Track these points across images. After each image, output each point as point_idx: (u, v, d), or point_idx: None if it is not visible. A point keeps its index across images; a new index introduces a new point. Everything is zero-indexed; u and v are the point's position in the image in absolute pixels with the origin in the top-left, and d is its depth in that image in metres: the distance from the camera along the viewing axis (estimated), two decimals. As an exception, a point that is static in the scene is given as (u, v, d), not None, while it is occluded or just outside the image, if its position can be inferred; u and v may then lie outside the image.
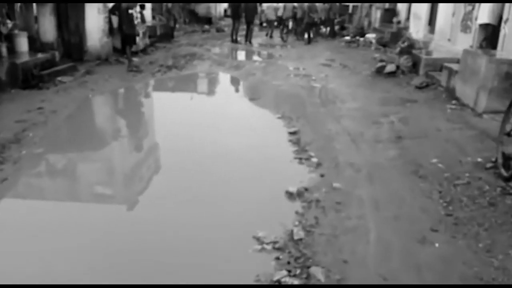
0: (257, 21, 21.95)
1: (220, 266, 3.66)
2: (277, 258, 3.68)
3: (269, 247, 3.84)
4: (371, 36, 17.50)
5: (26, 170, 5.70)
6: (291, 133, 6.95)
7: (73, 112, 8.21)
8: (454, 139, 6.48)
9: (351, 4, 21.91)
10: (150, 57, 13.90)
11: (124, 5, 11.65)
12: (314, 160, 5.84)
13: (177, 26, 20.11)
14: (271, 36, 20.13)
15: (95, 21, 12.19)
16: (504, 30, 8.76)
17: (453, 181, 5.06)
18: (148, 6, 16.79)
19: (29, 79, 9.31)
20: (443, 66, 9.64)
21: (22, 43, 10.34)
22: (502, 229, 4.10)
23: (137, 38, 12.87)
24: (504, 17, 8.81)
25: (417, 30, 14.37)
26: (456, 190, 4.85)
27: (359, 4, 20.91)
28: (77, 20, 11.98)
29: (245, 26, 18.20)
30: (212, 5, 25.55)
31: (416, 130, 7.03)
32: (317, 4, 18.62)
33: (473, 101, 7.89)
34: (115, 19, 12.29)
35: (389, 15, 17.97)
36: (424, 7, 13.98)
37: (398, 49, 12.06)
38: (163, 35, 17.28)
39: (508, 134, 5.24)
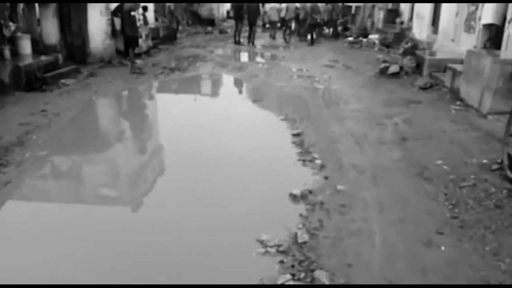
0: (259, 23, 21.93)
1: (223, 270, 3.65)
2: (281, 262, 3.66)
3: (273, 250, 3.82)
4: (374, 36, 17.44)
5: (29, 172, 5.69)
6: (295, 135, 6.93)
7: (77, 114, 8.21)
8: (459, 141, 6.44)
9: (354, 5, 21.84)
10: (153, 59, 13.90)
11: (126, 7, 11.63)
12: (318, 162, 5.81)
13: (180, 28, 20.09)
14: (273, 37, 20.10)
15: (97, 23, 12.19)
16: (508, 30, 8.70)
17: (459, 183, 5.03)
18: (151, 8, 16.80)
19: (32, 81, 9.31)
20: (447, 67, 9.59)
21: (25, 45, 10.35)
22: (508, 231, 4.06)
23: (140, 40, 12.84)
24: (508, 17, 8.75)
25: (420, 30, 14.32)
26: (461, 192, 4.81)
27: (362, 4, 20.85)
28: (80, 22, 11.98)
29: (248, 28, 18.19)
30: (215, 6, 25.54)
31: (421, 131, 7.00)
32: (319, 5, 18.56)
33: (477, 102, 7.84)
34: (117, 21, 12.30)
35: (392, 15, 17.91)
36: (427, 7, 13.93)
37: (401, 50, 12.00)
38: (166, 37, 17.27)
39: (514, 135, 5.21)
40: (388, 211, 4.51)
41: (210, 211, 4.64)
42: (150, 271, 3.61)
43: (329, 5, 19.79)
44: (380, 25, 18.97)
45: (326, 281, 3.38)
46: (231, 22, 21.54)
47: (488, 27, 9.66)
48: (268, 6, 20.70)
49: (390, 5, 18.32)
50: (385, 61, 12.22)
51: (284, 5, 19.75)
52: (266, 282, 3.42)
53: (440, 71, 10.13)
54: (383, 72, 11.38)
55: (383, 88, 10.20)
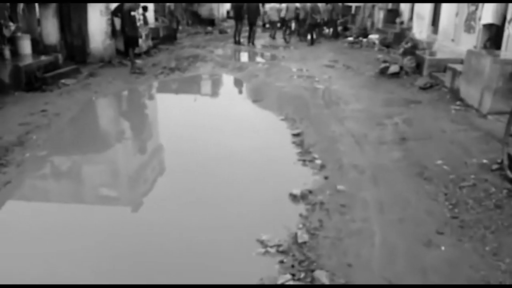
0: (260, 23, 21.93)
1: (223, 270, 3.65)
2: (281, 262, 3.66)
3: (273, 250, 3.82)
4: (374, 36, 17.44)
5: (29, 172, 5.69)
6: (295, 135, 6.93)
7: (77, 114, 8.21)
8: (459, 141, 6.44)
9: (354, 5, 21.83)
10: (153, 59, 13.90)
11: (126, 7, 11.63)
12: (318, 162, 5.81)
13: (180, 28, 20.09)
14: (274, 37, 20.10)
15: (97, 24, 12.19)
16: (508, 30, 8.70)
17: (459, 183, 5.02)
18: (151, 8, 16.80)
19: (32, 81, 9.31)
20: (447, 67, 9.59)
21: (25, 45, 10.35)
22: (509, 231, 4.06)
23: (140, 40, 12.84)
24: (508, 17, 8.75)
25: (420, 30, 14.32)
26: (461, 192, 4.81)
27: (362, 4, 20.84)
28: (80, 22, 11.98)
29: (248, 28, 18.19)
30: (215, 6, 25.53)
31: (421, 131, 6.99)
32: (319, 5, 18.56)
33: (477, 102, 7.84)
34: (117, 21, 12.30)
35: (392, 15, 17.91)
36: (427, 7, 13.92)
37: (401, 50, 12.00)
38: (166, 37, 17.27)
39: (514, 135, 5.20)
40: (388, 211, 4.51)
41: (210, 211, 4.64)
42: (150, 271, 3.61)
43: (329, 5, 19.78)
44: (380, 25, 18.97)
45: (326, 281, 3.38)
46: (231, 22, 21.54)
47: (488, 27, 9.66)
48: (268, 6, 20.69)
49: (390, 5, 18.32)
50: (385, 61, 12.22)
51: (284, 5, 19.74)
52: (266, 282, 3.42)
53: (440, 71, 10.13)
54: (383, 72, 11.39)
55: (383, 88, 10.20)
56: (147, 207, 4.83)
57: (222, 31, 22.28)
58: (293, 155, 6.11)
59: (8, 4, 10.15)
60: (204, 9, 24.95)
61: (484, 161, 5.59)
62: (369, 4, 20.10)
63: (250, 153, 6.29)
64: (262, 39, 19.92)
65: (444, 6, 12.40)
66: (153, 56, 14.40)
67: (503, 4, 9.07)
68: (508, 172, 5.05)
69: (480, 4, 10.01)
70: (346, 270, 3.54)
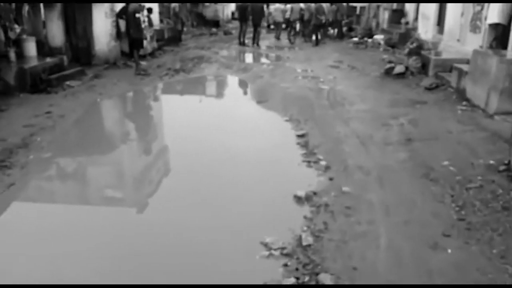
0: (264, 24, 21.90)
1: (227, 273, 3.62)
2: (285, 265, 3.62)
3: (277, 253, 3.79)
4: (379, 37, 17.37)
5: (33, 175, 5.69)
6: (299, 136, 6.89)
7: (81, 116, 8.22)
8: (465, 141, 6.37)
9: (358, 5, 21.76)
10: (158, 60, 13.91)
11: (131, 9, 11.64)
12: (323, 163, 5.77)
13: (184, 29, 20.12)
14: (278, 38, 20.06)
15: (102, 25, 12.22)
16: (515, 29, 8.63)
17: (465, 184, 4.96)
18: (156, 9, 16.82)
19: (37, 83, 9.35)
20: (453, 67, 9.52)
21: (31, 48, 10.40)
22: (516, 234, 4.00)
23: (145, 42, 12.87)
24: (515, 17, 8.68)
25: (425, 30, 14.24)
26: (468, 194, 4.75)
27: (366, 5, 20.76)
28: (85, 24, 12.02)
29: (252, 29, 18.16)
30: (219, 8, 25.52)
31: (426, 132, 6.93)
32: (324, 5, 18.51)
33: (484, 102, 7.77)
34: (122, 23, 12.32)
35: (397, 15, 17.82)
36: (433, 7, 13.84)
37: (406, 50, 11.92)
38: (170, 39, 17.29)
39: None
40: (394, 213, 4.46)
41: (214, 213, 4.61)
42: (154, 272, 3.59)
43: (334, 6, 19.73)
44: (385, 25, 18.88)
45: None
46: (236, 24, 21.52)
47: (494, 26, 9.58)
48: (272, 7, 20.68)
49: (395, 5, 18.22)
50: (390, 62, 12.14)
51: (288, 6, 19.70)
52: (270, 285, 3.39)
53: (446, 71, 10.05)
54: (388, 72, 11.32)
55: (389, 89, 10.13)
56: (152, 208, 4.83)
57: (227, 33, 22.27)
58: (297, 156, 6.08)
59: (13, 6, 10.19)
60: (209, 11, 24.97)
61: (491, 162, 5.52)
62: (374, 5, 20.02)
63: (255, 154, 6.26)
64: (266, 40, 19.89)
65: (450, 6, 12.32)
66: (158, 57, 14.41)
67: (509, 4, 8.99)
68: (516, 173, 4.99)
69: (486, 4, 9.93)
70: (351, 273, 3.50)
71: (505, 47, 8.93)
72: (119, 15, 12.49)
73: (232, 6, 28.13)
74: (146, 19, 13.17)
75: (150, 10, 14.01)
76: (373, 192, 4.93)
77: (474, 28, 10.69)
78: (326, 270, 3.51)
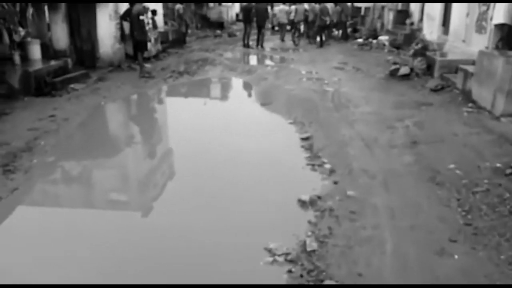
0: (268, 25, 21.85)
1: (231, 280, 3.58)
2: (290, 271, 3.58)
3: (281, 259, 3.75)
4: (384, 38, 17.28)
5: (37, 179, 5.68)
6: (304, 139, 6.85)
7: (85, 119, 8.21)
8: (471, 144, 6.30)
9: (363, 6, 21.67)
10: (162, 63, 13.90)
11: (135, 11, 11.63)
12: (327, 166, 5.73)
13: (189, 31, 20.12)
14: (283, 40, 20.02)
15: (107, 28, 12.22)
16: (522, 30, 8.55)
17: (472, 188, 4.90)
18: (160, 12, 16.83)
19: (42, 86, 9.36)
20: (459, 68, 9.44)
21: (35, 50, 10.42)
22: (524, 239, 3.94)
23: (149, 44, 12.87)
24: (521, 17, 8.60)
25: (430, 31, 14.14)
26: (475, 198, 4.69)
27: (371, 5, 20.67)
28: (89, 27, 12.03)
29: (256, 30, 18.12)
30: (224, 9, 25.51)
31: (432, 134, 6.86)
32: (329, 6, 18.44)
33: (490, 103, 7.69)
34: (126, 26, 12.32)
35: (402, 16, 17.72)
36: (438, 8, 13.75)
37: (412, 51, 11.84)
38: (175, 41, 17.29)
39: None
40: (400, 218, 4.41)
41: (218, 215, 4.61)
42: (158, 276, 3.58)
43: (338, 7, 19.65)
44: (390, 26, 18.79)
45: (335, 291, 3.30)
46: (240, 25, 21.52)
47: (500, 27, 9.49)
48: (277, 8, 20.62)
49: (400, 6, 18.13)
50: (395, 63, 12.07)
51: (293, 7, 19.65)
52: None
53: (452, 73, 9.97)
54: (393, 74, 11.24)
55: (394, 90, 10.06)
56: (157, 211, 4.84)
57: (231, 34, 22.26)
58: (301, 160, 6.04)
59: (18, 9, 10.21)
60: (213, 12, 24.98)
61: (498, 165, 5.45)
62: (379, 5, 19.93)
63: (259, 157, 6.23)
64: (271, 41, 19.85)
65: (455, 7, 12.23)
66: (162, 60, 14.41)
67: (515, 4, 8.91)
68: (523, 177, 4.93)
69: (492, 4, 9.84)
70: (356, 279, 3.46)
71: (511, 47, 8.84)
72: (123, 17, 12.50)
73: (237, 8, 28.14)
74: (150, 21, 13.18)
75: (154, 12, 14.01)
76: (378, 196, 4.89)
77: (480, 29, 10.60)
78: (331, 277, 3.47)
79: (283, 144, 6.86)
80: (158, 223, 4.54)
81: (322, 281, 3.41)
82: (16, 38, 9.85)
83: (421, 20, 15.81)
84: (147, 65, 12.74)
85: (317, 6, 18.47)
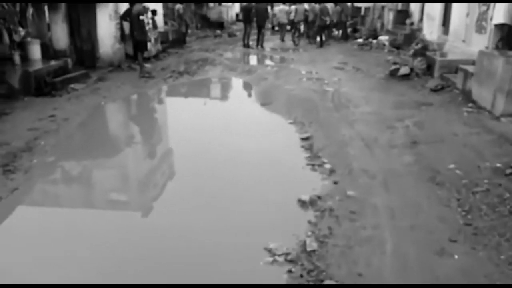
0: (268, 25, 21.84)
1: (231, 280, 3.57)
2: (289, 271, 3.58)
3: (281, 259, 3.75)
4: (384, 38, 17.28)
5: (37, 179, 5.68)
6: (304, 139, 6.85)
7: (85, 119, 8.21)
8: (471, 144, 6.30)
9: (363, 6, 21.67)
10: (162, 63, 13.90)
11: (135, 11, 11.63)
12: (327, 166, 5.73)
13: (189, 31, 20.11)
14: (283, 40, 20.02)
15: (107, 28, 12.22)
16: (522, 30, 8.54)
17: (472, 188, 4.90)
18: (160, 12, 16.82)
19: (42, 86, 9.36)
20: (459, 68, 9.44)
21: (35, 50, 10.42)
22: (524, 239, 3.94)
23: (149, 44, 12.87)
24: (521, 17, 8.59)
25: (430, 31, 14.14)
26: (475, 198, 4.69)
27: (371, 5, 20.67)
28: (89, 27, 12.03)
29: (256, 30, 18.11)
30: (224, 9, 25.51)
31: (432, 134, 6.86)
32: (329, 6, 18.44)
33: (490, 103, 7.69)
34: (126, 26, 12.32)
35: (402, 16, 17.72)
36: (438, 8, 13.75)
37: (412, 51, 11.84)
38: (175, 41, 17.29)
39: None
40: (400, 218, 4.41)
41: (218, 215, 4.61)
42: (158, 276, 3.58)
43: (338, 7, 19.64)
44: (390, 26, 18.79)
45: (335, 291, 3.30)
46: (241, 25, 21.51)
47: (500, 27, 9.49)
48: (277, 8, 20.61)
49: (400, 6, 18.13)
50: (395, 63, 12.07)
51: (293, 7, 19.65)
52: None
53: (452, 73, 9.97)
54: (393, 74, 11.24)
55: (394, 90, 10.07)
56: (157, 211, 4.84)
57: (231, 34, 22.26)
58: (301, 160, 6.04)
59: (18, 9, 10.22)
60: (213, 12, 24.98)
61: (498, 165, 5.45)
62: (379, 5, 19.93)
63: (259, 157, 6.24)
64: (271, 41, 19.84)
65: (455, 6, 12.23)
66: (162, 60, 14.41)
67: (515, 4, 8.91)
68: (523, 177, 4.93)
69: (492, 4, 9.85)
70: (356, 280, 3.46)
71: (511, 47, 8.85)
72: (123, 17, 12.50)
73: (237, 8, 28.14)
74: (150, 21, 13.17)
75: (154, 12, 14.01)
76: (378, 196, 4.89)
77: (480, 29, 10.60)
78: (331, 277, 3.47)
79: (283, 144, 6.86)
80: (158, 223, 4.54)
81: (322, 281, 3.41)
82: (16, 38, 9.85)
83: (421, 20, 15.82)
84: (147, 65, 12.74)
85: (317, 6, 18.46)
